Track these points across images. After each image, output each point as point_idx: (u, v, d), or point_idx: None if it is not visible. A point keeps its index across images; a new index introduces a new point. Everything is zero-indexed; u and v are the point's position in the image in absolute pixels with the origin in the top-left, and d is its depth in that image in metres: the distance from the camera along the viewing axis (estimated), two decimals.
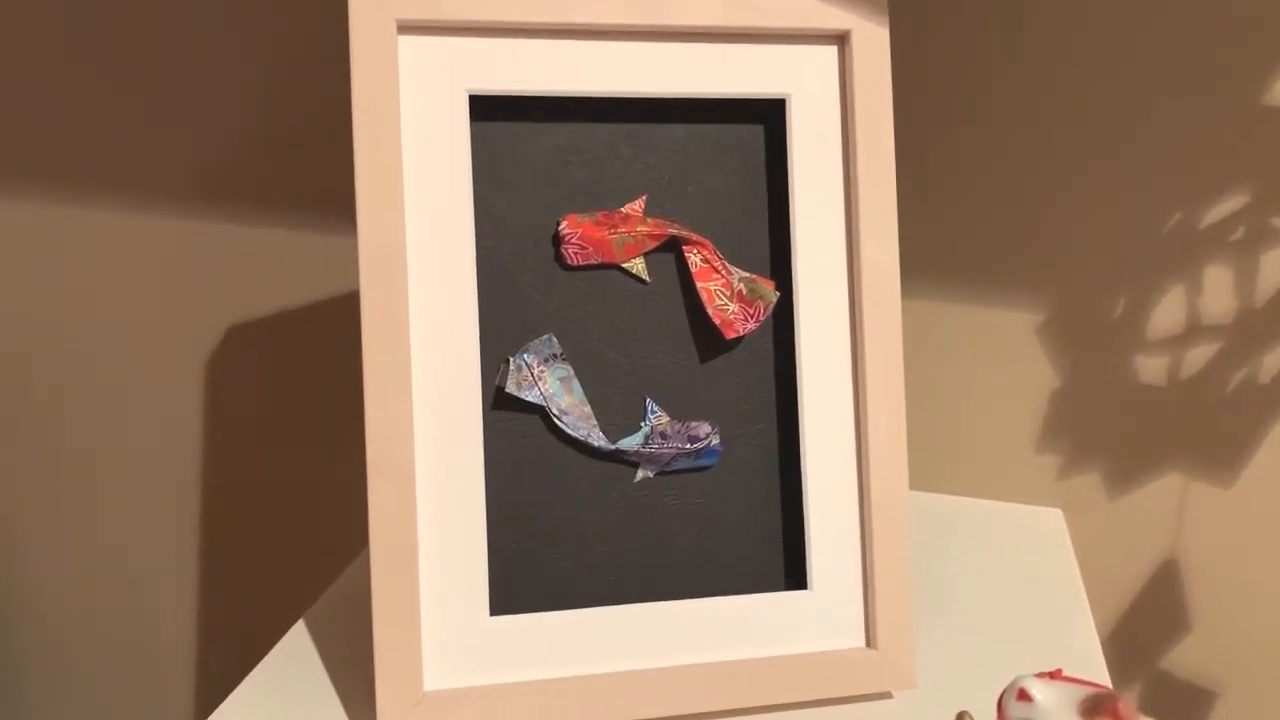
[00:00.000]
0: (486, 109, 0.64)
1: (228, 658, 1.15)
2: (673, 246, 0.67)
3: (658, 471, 0.67)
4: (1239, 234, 0.85)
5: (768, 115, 0.68)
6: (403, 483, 0.61)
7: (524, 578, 0.65)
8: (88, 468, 1.12)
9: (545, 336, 0.65)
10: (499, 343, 0.65)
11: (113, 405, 1.09)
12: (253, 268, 1.01)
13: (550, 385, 0.65)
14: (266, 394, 1.05)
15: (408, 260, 0.62)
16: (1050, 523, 0.93)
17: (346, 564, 1.02)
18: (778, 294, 0.67)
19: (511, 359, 0.64)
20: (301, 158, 0.97)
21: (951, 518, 0.93)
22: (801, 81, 0.67)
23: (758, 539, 0.68)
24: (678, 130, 0.67)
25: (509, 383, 0.64)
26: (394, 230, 0.61)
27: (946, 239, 0.90)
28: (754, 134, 0.68)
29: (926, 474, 0.95)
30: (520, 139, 0.65)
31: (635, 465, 0.67)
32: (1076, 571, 0.84)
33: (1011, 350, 0.92)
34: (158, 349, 1.06)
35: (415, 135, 0.62)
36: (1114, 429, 0.92)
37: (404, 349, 0.61)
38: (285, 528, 1.09)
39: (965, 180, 0.88)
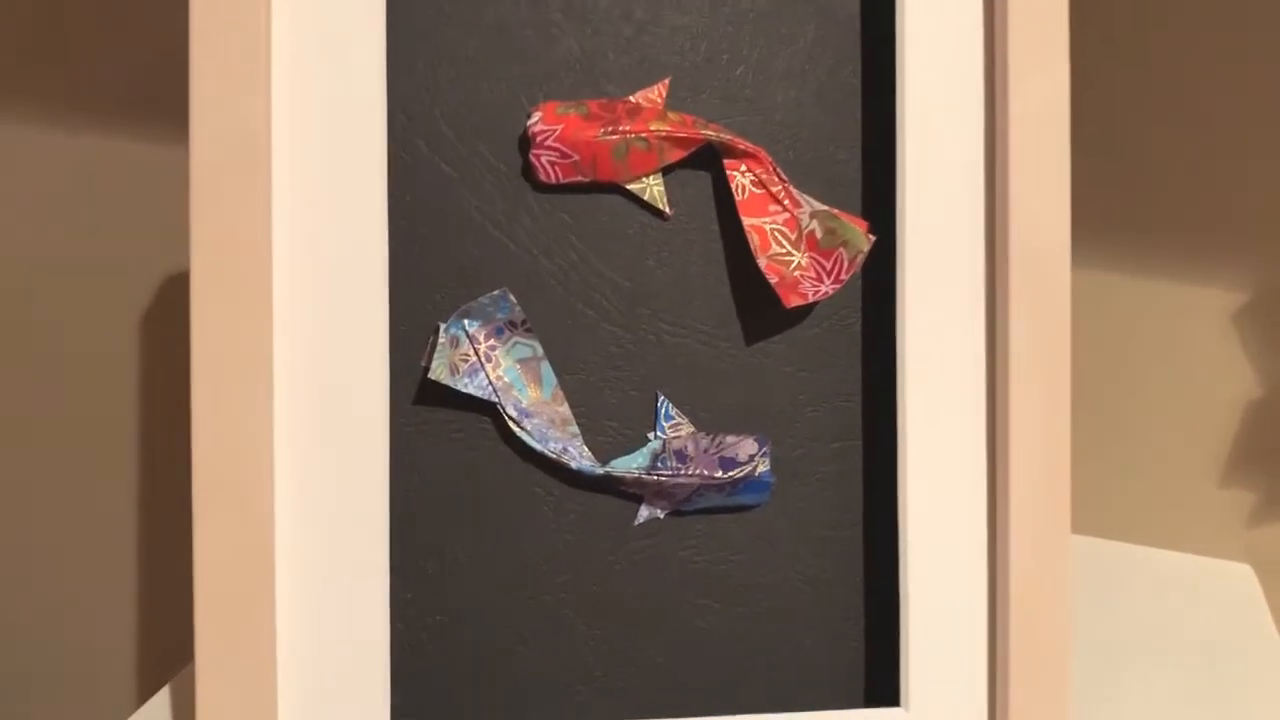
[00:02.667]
0: None
1: (168, 656, 0.95)
2: (709, 160, 0.42)
3: (672, 510, 0.43)
4: None
5: None
6: (251, 524, 0.38)
7: (452, 674, 0.42)
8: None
9: (497, 292, 0.41)
10: (427, 301, 0.42)
11: (36, 364, 0.89)
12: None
13: (504, 370, 0.41)
14: None
15: (271, 171, 0.39)
16: (1237, 581, 0.70)
17: None
18: (871, 239, 0.42)
19: (443, 326, 0.41)
20: None
21: (1106, 568, 0.69)
22: None
23: (825, 625, 0.44)
24: None
25: (438, 363, 0.40)
26: (249, 123, 0.38)
27: (1114, 187, 0.65)
28: None
29: (1075, 509, 0.70)
30: None
31: (638, 500, 0.43)
32: (1278, 644, 0.61)
33: (1197, 343, 0.68)
34: (86, 299, 0.85)
35: None
36: None
37: (261, 310, 0.38)
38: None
39: (1146, 117, 0.63)
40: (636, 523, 0.43)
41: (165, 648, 0.97)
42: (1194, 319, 0.67)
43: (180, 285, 0.84)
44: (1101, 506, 0.71)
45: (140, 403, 0.90)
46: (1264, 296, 0.65)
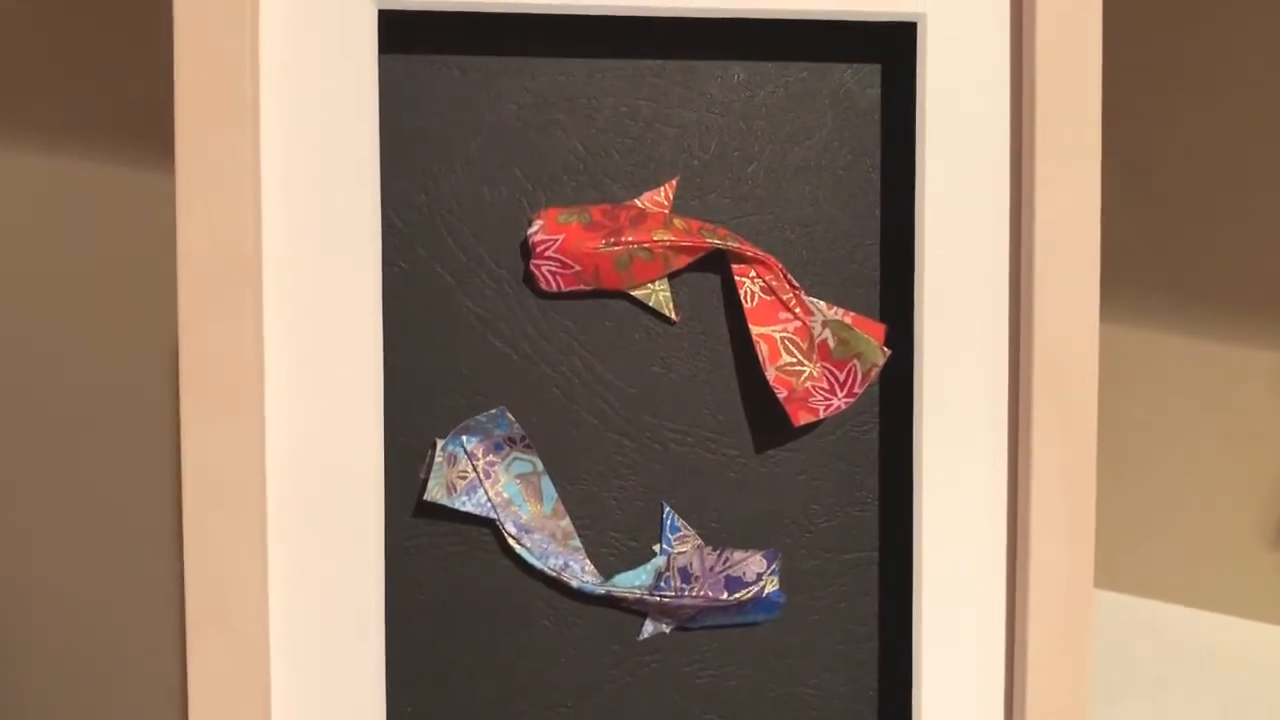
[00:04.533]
0: (407, 34, 0.39)
1: None
2: (717, 263, 0.41)
3: (678, 626, 0.42)
4: None
5: (888, 47, 0.41)
6: (245, 645, 0.37)
7: None
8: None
9: (495, 411, 0.40)
10: (424, 415, 0.41)
11: (76, 397, 0.90)
12: None
13: (504, 486, 0.40)
14: None
15: (262, 284, 0.38)
16: None
17: None
18: (887, 353, 0.40)
19: (440, 443, 0.40)
20: None
21: (1146, 631, 0.66)
22: None
23: None
24: (735, 71, 0.41)
25: (434, 483, 0.40)
26: (239, 237, 0.37)
27: (1160, 242, 0.62)
28: (863, 79, 0.41)
29: (1114, 565, 0.67)
30: (468, 85, 0.40)
31: (641, 615, 0.41)
32: None
33: (1241, 401, 0.64)
34: (122, 330, 0.86)
35: (283, 72, 0.38)
36: None
37: (253, 424, 0.37)
38: None
39: (1182, 166, 0.60)
40: (640, 638, 0.42)
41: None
42: (1234, 374, 0.64)
43: None
44: (1131, 564, 0.69)
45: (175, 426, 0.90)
46: None
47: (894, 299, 0.42)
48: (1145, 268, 0.63)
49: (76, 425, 0.85)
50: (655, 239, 0.39)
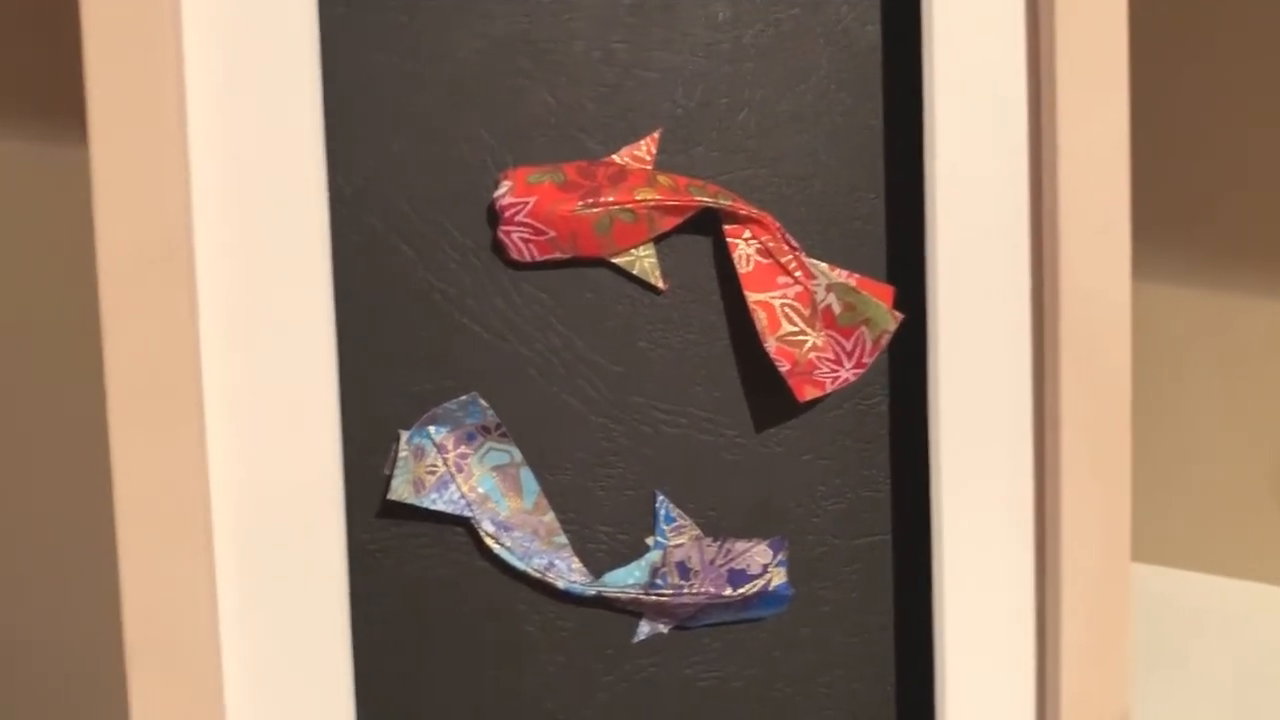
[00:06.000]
0: None
1: None
2: (707, 223, 0.36)
3: (676, 626, 0.38)
4: None
5: None
6: (195, 674, 0.33)
7: None
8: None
9: (466, 398, 0.36)
10: (385, 405, 0.36)
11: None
12: None
13: (479, 480, 0.36)
14: None
15: (195, 263, 0.33)
16: None
17: None
18: (899, 317, 0.36)
19: (405, 435, 0.36)
20: None
21: (1172, 602, 0.64)
22: None
23: None
24: (719, 8, 0.37)
25: (399, 481, 0.35)
26: (168, 207, 0.32)
27: (1180, 193, 0.58)
28: (861, 14, 0.37)
29: (1140, 536, 0.65)
30: (418, 31, 0.36)
31: (636, 615, 0.38)
32: None
33: (1257, 360, 0.60)
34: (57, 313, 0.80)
35: (208, 24, 0.33)
36: None
37: (191, 430, 0.33)
38: None
39: (1198, 121, 0.56)
40: (635, 640, 0.38)
41: None
42: (1266, 332, 0.61)
43: None
44: (1155, 535, 0.66)
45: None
46: None
47: (900, 258, 0.38)
48: (1158, 224, 0.60)
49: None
50: (638, 199, 0.35)
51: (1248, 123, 0.59)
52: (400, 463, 0.35)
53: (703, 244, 0.37)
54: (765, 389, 0.38)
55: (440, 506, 0.36)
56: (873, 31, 0.37)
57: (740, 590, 0.36)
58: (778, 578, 0.37)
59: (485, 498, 0.36)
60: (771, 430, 0.38)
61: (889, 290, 0.37)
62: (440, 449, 0.35)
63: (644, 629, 0.38)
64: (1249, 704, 0.58)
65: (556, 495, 0.37)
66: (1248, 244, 0.60)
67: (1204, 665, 0.59)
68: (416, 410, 0.36)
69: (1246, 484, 0.63)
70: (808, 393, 0.36)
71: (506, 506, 0.36)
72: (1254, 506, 0.64)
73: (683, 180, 0.36)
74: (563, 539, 0.37)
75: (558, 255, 0.36)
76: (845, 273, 0.37)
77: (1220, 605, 0.64)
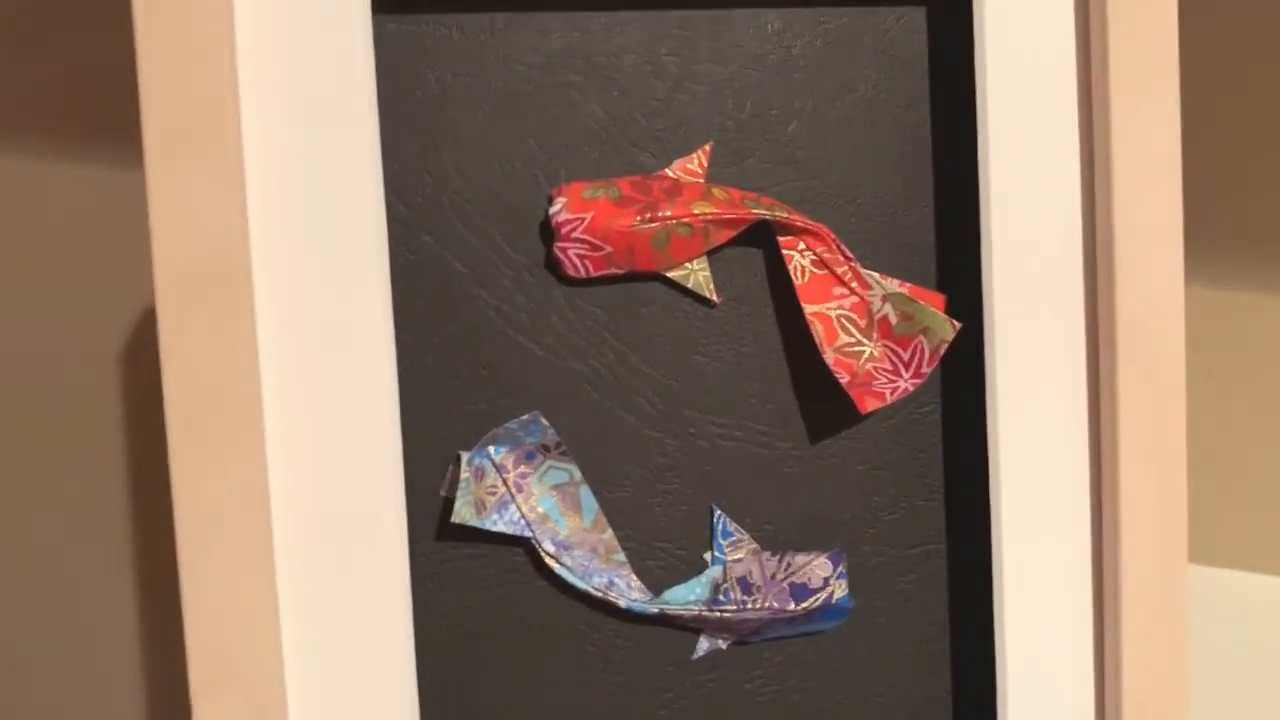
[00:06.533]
0: None
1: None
2: (760, 236, 0.36)
3: (735, 640, 0.37)
4: None
5: None
6: (261, 706, 0.32)
7: None
8: None
9: (527, 416, 0.35)
10: (442, 425, 0.36)
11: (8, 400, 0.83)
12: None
13: (538, 500, 0.36)
14: None
15: (253, 282, 0.32)
16: None
17: None
18: (956, 326, 0.36)
19: (465, 457, 0.35)
20: None
21: (1213, 598, 0.64)
22: None
23: None
24: (768, 19, 0.37)
25: (463, 501, 0.35)
26: (226, 229, 0.32)
27: (1216, 193, 0.59)
28: (908, 24, 0.37)
29: None
30: (471, 47, 0.35)
31: (696, 631, 0.37)
32: None
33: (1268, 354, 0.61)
34: (61, 332, 0.79)
35: (263, 42, 0.33)
36: None
37: (253, 451, 0.32)
38: None
39: (1224, 120, 0.57)
40: (695, 656, 0.37)
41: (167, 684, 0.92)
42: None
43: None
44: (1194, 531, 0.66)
45: (125, 438, 0.84)
46: None
47: (951, 266, 0.38)
48: (1203, 219, 0.60)
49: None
50: (696, 212, 0.35)
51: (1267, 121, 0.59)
52: (462, 484, 0.35)
53: (754, 256, 0.37)
54: (819, 400, 0.37)
55: (501, 528, 0.35)
56: (919, 40, 0.37)
57: (804, 605, 0.36)
58: (839, 590, 0.37)
59: (545, 517, 0.36)
60: (826, 441, 0.38)
61: (940, 298, 0.37)
62: (500, 469, 0.35)
63: (704, 645, 0.37)
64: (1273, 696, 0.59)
65: (614, 512, 0.37)
66: (1272, 244, 0.60)
67: (1218, 656, 0.60)
68: (472, 429, 0.36)
69: (1261, 480, 0.64)
70: (869, 404, 0.36)
71: (566, 525, 0.36)
72: (1264, 500, 0.64)
73: (737, 193, 0.36)
74: (621, 557, 0.37)
75: (613, 271, 0.35)
76: (898, 282, 0.37)
77: (1245, 598, 0.64)
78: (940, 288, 0.38)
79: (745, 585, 0.36)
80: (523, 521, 0.35)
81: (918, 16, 0.37)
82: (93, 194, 0.70)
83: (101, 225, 0.71)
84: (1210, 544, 0.64)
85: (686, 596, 0.36)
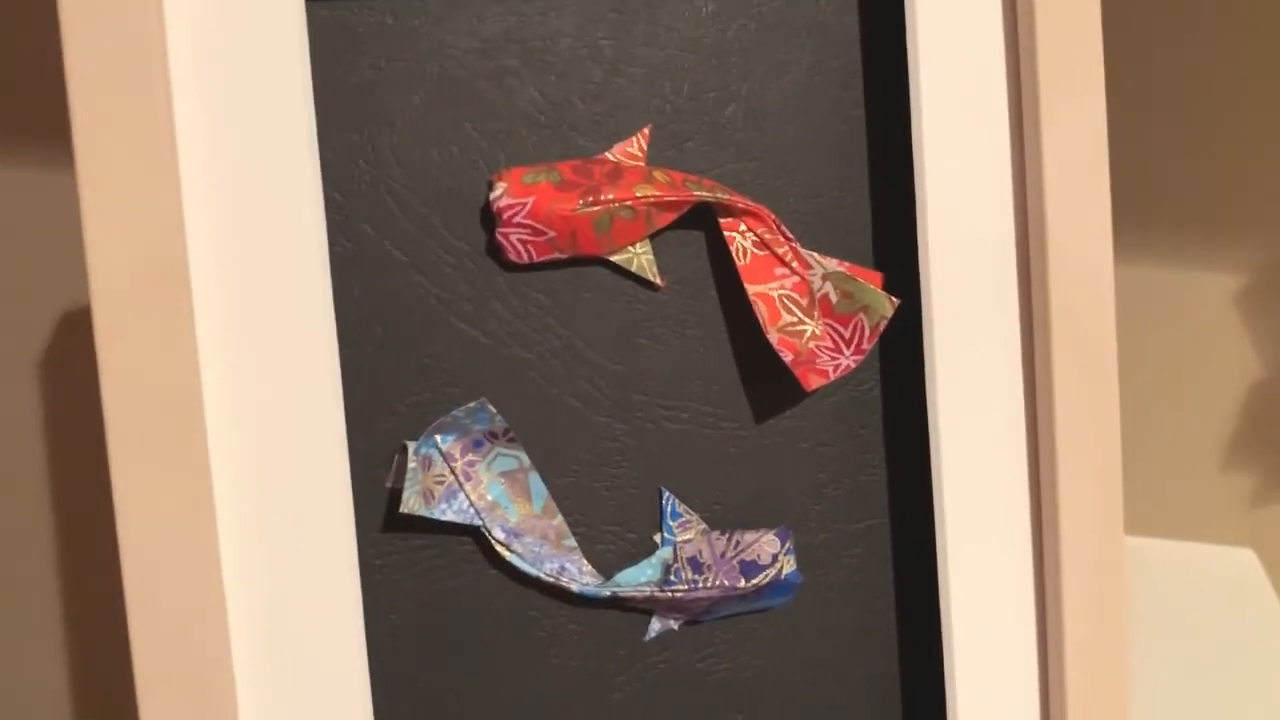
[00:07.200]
0: None
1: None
2: (701, 219, 0.37)
3: (687, 620, 0.38)
4: None
5: None
6: (209, 703, 0.32)
7: None
8: None
9: (474, 404, 0.35)
10: (385, 416, 0.36)
11: None
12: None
13: (487, 488, 0.35)
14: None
15: (190, 278, 0.32)
16: (1239, 567, 0.68)
17: None
18: (895, 302, 0.37)
19: (412, 446, 0.35)
20: None
21: (1132, 566, 0.66)
22: None
23: None
24: (704, 2, 0.37)
25: (410, 491, 0.35)
26: (161, 225, 0.31)
27: (1112, 171, 0.60)
28: (840, 6, 0.38)
29: None
30: (404, 32, 0.35)
31: (648, 612, 0.37)
32: None
33: (1198, 326, 0.63)
34: None
35: (194, 31, 0.32)
36: None
37: (194, 452, 0.32)
38: None
39: (1142, 99, 0.58)
40: (647, 638, 0.38)
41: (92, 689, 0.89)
42: (1194, 302, 0.63)
43: (81, 321, 0.76)
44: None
45: (45, 445, 0.81)
46: (1265, 279, 0.62)
47: (887, 244, 0.39)
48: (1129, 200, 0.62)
49: None
50: (638, 195, 0.35)
51: (1183, 97, 0.61)
52: (409, 474, 0.34)
53: (696, 239, 0.37)
54: (763, 380, 0.38)
55: (450, 517, 0.35)
56: (850, 22, 0.38)
57: (754, 581, 0.37)
58: (788, 566, 0.37)
59: (494, 505, 0.35)
60: (771, 421, 0.38)
61: (878, 276, 0.38)
62: (448, 457, 0.35)
63: (655, 626, 0.37)
64: (1179, 643, 0.61)
65: (563, 498, 0.37)
66: (1187, 217, 0.62)
67: (1146, 625, 0.62)
68: (417, 419, 0.36)
69: (1185, 451, 0.66)
70: (813, 382, 0.36)
71: (516, 512, 0.36)
72: (1185, 468, 0.66)
73: (679, 176, 0.36)
74: (572, 542, 0.37)
75: (556, 255, 0.35)
76: (837, 261, 0.37)
77: (1165, 565, 0.67)
78: (878, 266, 0.38)
79: (696, 565, 0.37)
80: (472, 510, 0.35)
81: (850, 0, 0.38)
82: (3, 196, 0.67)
83: (12, 229, 0.68)
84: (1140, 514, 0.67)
85: (638, 578, 0.37)
